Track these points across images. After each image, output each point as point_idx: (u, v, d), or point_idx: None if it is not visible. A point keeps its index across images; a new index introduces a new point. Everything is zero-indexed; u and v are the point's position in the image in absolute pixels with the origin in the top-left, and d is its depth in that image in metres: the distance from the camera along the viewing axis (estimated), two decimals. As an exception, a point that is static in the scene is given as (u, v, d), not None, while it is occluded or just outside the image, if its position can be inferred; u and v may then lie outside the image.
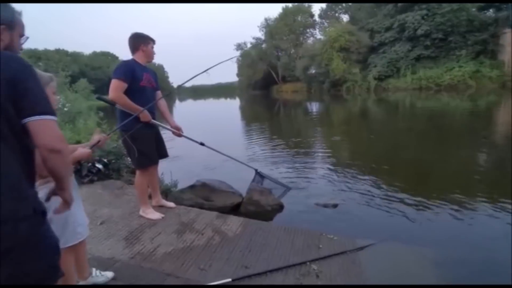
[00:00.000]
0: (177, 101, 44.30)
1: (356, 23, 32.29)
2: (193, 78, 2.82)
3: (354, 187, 4.06)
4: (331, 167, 5.14)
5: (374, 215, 3.25)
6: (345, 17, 40.05)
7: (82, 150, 1.52)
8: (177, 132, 3.02)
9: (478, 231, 2.85)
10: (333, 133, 9.25)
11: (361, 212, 3.32)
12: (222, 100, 41.92)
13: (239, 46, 52.58)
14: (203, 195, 3.49)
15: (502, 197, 3.40)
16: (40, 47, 54.26)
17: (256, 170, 3.99)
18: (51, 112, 0.97)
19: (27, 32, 1.16)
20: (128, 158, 3.48)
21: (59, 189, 1.08)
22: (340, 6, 41.51)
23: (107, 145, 4.18)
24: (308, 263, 2.10)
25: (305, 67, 35.50)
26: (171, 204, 3.12)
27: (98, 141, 1.68)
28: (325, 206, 3.47)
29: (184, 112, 24.80)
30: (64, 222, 1.47)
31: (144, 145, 2.69)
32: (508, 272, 2.07)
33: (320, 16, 45.08)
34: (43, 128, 0.94)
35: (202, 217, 2.88)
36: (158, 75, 3.00)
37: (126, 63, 2.66)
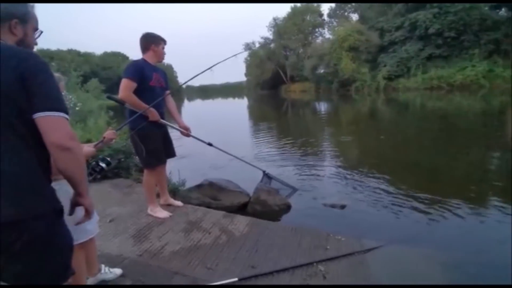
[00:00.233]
0: (185, 101, 44.62)
1: (366, 22, 31.92)
2: (197, 75, 2.83)
3: (363, 187, 4.02)
4: (339, 167, 5.10)
5: (382, 217, 3.21)
6: (354, 16, 39.64)
7: (86, 149, 1.54)
8: (185, 132, 3.03)
9: (488, 234, 2.79)
10: (341, 133, 9.18)
11: (369, 213, 3.29)
12: (230, 99, 42.02)
13: (247, 46, 52.61)
14: (210, 194, 3.50)
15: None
16: (53, 47, 55.32)
17: (264, 172, 3.98)
18: (63, 109, 0.95)
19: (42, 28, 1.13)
20: (137, 157, 3.52)
21: (78, 195, 1.04)
22: (349, 5, 41.10)
23: (117, 144, 4.24)
24: (315, 263, 2.09)
25: (313, 67, 35.28)
26: (179, 203, 3.15)
27: (103, 138, 1.69)
28: (333, 206, 3.44)
29: (192, 111, 24.98)
30: (72, 220, 1.49)
31: (152, 144, 2.72)
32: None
33: (329, 15, 44.78)
34: (52, 124, 0.92)
35: (209, 216, 2.90)
36: (167, 75, 3.02)
37: (136, 62, 2.69)
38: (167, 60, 2.88)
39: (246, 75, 60.98)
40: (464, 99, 16.14)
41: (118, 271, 1.98)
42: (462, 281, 2.06)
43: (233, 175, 4.11)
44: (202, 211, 3.01)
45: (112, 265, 2.03)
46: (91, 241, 1.71)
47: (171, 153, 3.00)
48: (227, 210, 3.11)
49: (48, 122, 0.92)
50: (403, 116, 12.77)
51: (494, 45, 22.26)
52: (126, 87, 2.54)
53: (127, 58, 67.99)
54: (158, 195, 3.13)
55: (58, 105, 0.94)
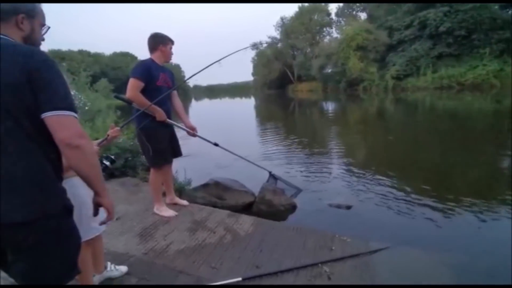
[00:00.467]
0: (193, 101, 44.88)
1: (375, 21, 31.60)
2: (204, 69, 2.79)
3: (369, 188, 3.98)
4: (346, 167, 5.05)
5: (389, 218, 3.17)
6: (363, 15, 39.31)
7: None
8: (192, 132, 3.04)
9: (498, 236, 2.72)
10: (348, 133, 9.10)
11: (376, 214, 3.25)
12: (238, 99, 42.08)
13: (254, 46, 52.65)
14: (216, 193, 3.52)
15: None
16: (64, 48, 56.30)
17: (270, 172, 3.97)
18: (71, 108, 0.94)
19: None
20: (143, 156, 3.55)
21: (96, 195, 1.04)
22: (357, 4, 40.72)
23: (124, 143, 4.29)
24: (320, 264, 2.08)
25: (321, 66, 35.13)
26: (185, 202, 3.17)
27: (107, 136, 1.70)
28: (339, 207, 3.41)
29: (200, 111, 25.10)
30: (78, 217, 1.51)
31: (159, 144, 2.74)
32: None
33: (337, 14, 44.51)
34: (61, 123, 0.92)
35: (215, 215, 2.90)
36: (175, 75, 3.04)
37: (143, 62, 2.71)
38: (175, 60, 2.90)
39: (253, 74, 61.14)
40: (475, 99, 15.83)
41: (124, 268, 2.00)
42: (469, 283, 2.02)
43: (238, 175, 4.11)
44: (207, 211, 3.02)
45: (118, 262, 2.05)
46: (98, 239, 1.73)
47: (177, 152, 3.01)
48: (233, 210, 3.11)
49: (57, 121, 0.91)
50: (412, 116, 12.58)
51: (505, 44, 21.77)
52: (133, 87, 2.56)
53: (135, 58, 68.73)
54: (164, 194, 3.16)
55: (66, 104, 0.93)
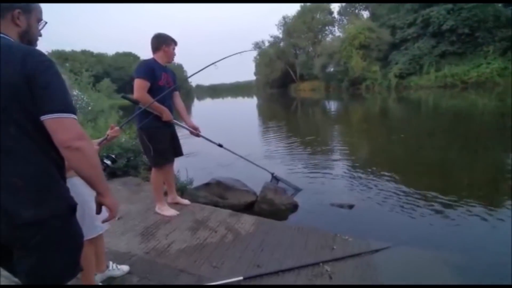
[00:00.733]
0: (195, 100, 44.96)
1: (377, 19, 31.45)
2: (201, 71, 2.83)
3: (372, 187, 3.96)
4: (348, 167, 5.04)
5: (391, 217, 3.15)
6: (365, 14, 39.12)
7: None
8: (195, 132, 3.05)
9: (501, 236, 2.70)
10: (351, 132, 9.07)
11: (378, 214, 3.24)
12: (240, 98, 42.08)
13: (256, 45, 52.64)
14: (217, 193, 3.52)
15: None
16: (67, 48, 56.70)
17: (272, 174, 3.97)
18: (69, 110, 0.93)
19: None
20: (145, 156, 3.57)
21: (98, 195, 1.04)
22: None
23: (126, 143, 4.31)
24: (321, 264, 2.07)
25: (323, 65, 35.01)
26: (186, 202, 3.17)
27: (107, 136, 1.71)
28: (341, 206, 3.41)
29: (202, 110, 25.14)
30: (81, 216, 1.51)
31: (160, 143, 2.75)
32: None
33: (339, 13, 44.38)
34: (60, 125, 0.91)
35: (216, 215, 2.91)
36: (177, 75, 3.05)
37: (146, 62, 2.72)
38: (177, 59, 2.91)
39: (255, 74, 61.03)
40: (479, 97, 15.71)
41: (125, 268, 2.01)
42: (470, 283, 2.00)
43: (240, 174, 4.12)
44: (209, 210, 3.03)
45: (120, 262, 2.06)
46: (100, 237, 1.74)
47: (178, 152, 3.02)
48: (234, 209, 3.11)
49: (56, 123, 0.90)
50: (415, 115, 12.51)
51: (509, 42, 21.56)
52: (140, 87, 2.57)
53: (138, 58, 69.03)
54: (166, 194, 3.17)
55: (64, 105, 0.92)
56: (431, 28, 24.70)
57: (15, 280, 1.10)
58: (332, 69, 34.49)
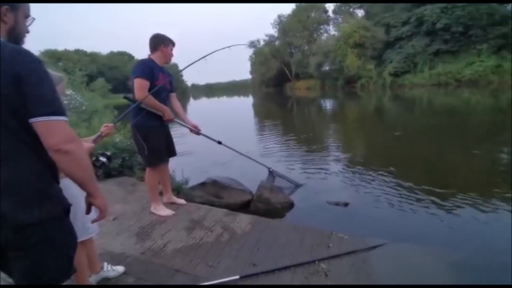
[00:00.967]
0: (191, 99, 44.79)
1: (372, 18, 31.58)
2: (190, 65, 2.90)
3: (367, 185, 3.98)
4: (344, 165, 5.06)
5: (386, 214, 3.17)
6: (360, 12, 39.20)
7: (85, 144, 1.54)
8: (195, 130, 3.06)
9: (495, 232, 2.72)
10: (346, 131, 9.11)
11: (374, 211, 3.25)
12: (236, 98, 42.00)
13: (252, 44, 52.56)
14: (213, 192, 3.51)
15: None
16: (60, 47, 56.12)
17: (269, 169, 3.99)
18: (59, 112, 0.91)
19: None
20: (139, 155, 3.56)
21: (88, 196, 1.04)
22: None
23: (121, 143, 4.28)
24: (317, 262, 2.08)
25: (318, 64, 35.08)
26: (182, 201, 3.16)
27: (101, 133, 1.69)
28: (337, 204, 3.42)
29: (198, 109, 25.04)
30: (73, 218, 1.50)
31: (155, 143, 2.73)
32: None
33: (334, 11, 44.37)
34: (48, 129, 0.89)
35: (212, 214, 2.90)
36: (172, 73, 3.04)
37: (144, 61, 2.71)
38: (173, 59, 2.93)
39: (251, 72, 60.97)
40: (473, 95, 15.88)
41: (120, 268, 1.99)
42: (467, 280, 2.02)
43: (236, 173, 4.12)
44: (204, 209, 3.02)
45: (115, 262, 2.04)
46: (90, 240, 1.72)
47: (172, 152, 3.01)
48: (230, 208, 3.11)
49: (44, 126, 0.88)
50: (410, 113, 12.61)
51: (503, 40, 21.81)
52: (141, 87, 2.55)
53: (133, 57, 68.57)
54: (161, 193, 3.15)
55: (53, 108, 0.90)
56: (425, 26, 24.90)
57: (9, 281, 1.10)
58: (327, 68, 34.57)
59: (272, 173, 3.98)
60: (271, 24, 53.52)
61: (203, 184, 3.61)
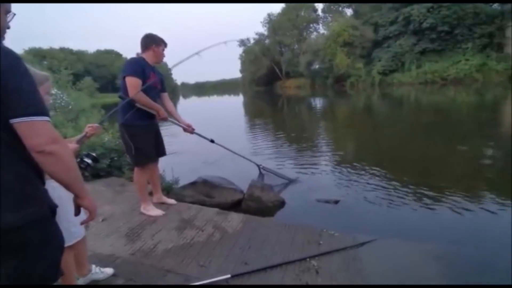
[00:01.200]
0: (181, 98, 44.38)
1: (360, 17, 31.93)
2: (182, 62, 2.89)
3: (357, 182, 4.03)
4: (334, 163, 5.11)
5: (376, 211, 3.21)
6: (348, 11, 39.57)
7: (69, 145, 1.50)
8: (189, 129, 3.04)
9: (482, 228, 2.80)
10: (336, 129, 9.20)
11: (363, 208, 3.29)
12: (226, 96, 41.84)
13: (241, 42, 52.42)
14: (204, 191, 3.49)
15: (508, 194, 3.35)
16: (45, 45, 54.70)
17: (259, 166, 4.00)
18: (41, 112, 0.88)
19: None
20: (127, 155, 3.52)
21: (76, 197, 1.03)
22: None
23: (109, 143, 4.20)
24: (308, 259, 2.09)
25: (308, 63, 35.29)
26: (172, 201, 3.13)
27: (86, 133, 1.65)
28: (327, 202, 3.45)
29: (188, 108, 24.83)
30: (59, 222, 1.46)
31: (142, 142, 2.69)
32: (508, 271, 2.03)
33: (323, 10, 44.63)
34: (30, 130, 0.86)
35: (203, 213, 2.88)
36: (162, 72, 3.01)
37: (135, 60, 2.68)
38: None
39: (241, 71, 60.81)
40: (458, 93, 16.26)
41: (109, 270, 1.96)
42: (455, 276, 2.06)
43: (226, 172, 4.10)
44: (195, 209, 3.00)
45: (104, 264, 2.01)
46: (79, 243, 1.68)
47: (161, 151, 2.98)
48: (221, 208, 3.10)
49: (26, 127, 0.85)
50: (398, 110, 12.83)
51: (488, 39, 22.42)
52: (135, 85, 2.52)
53: (120, 55, 67.43)
54: (151, 193, 3.11)
55: (34, 108, 0.86)
56: (412, 26, 25.35)
57: None
58: (317, 67, 34.83)
59: (262, 171, 3.99)
60: (261, 22, 53.45)
61: (193, 184, 3.59)
